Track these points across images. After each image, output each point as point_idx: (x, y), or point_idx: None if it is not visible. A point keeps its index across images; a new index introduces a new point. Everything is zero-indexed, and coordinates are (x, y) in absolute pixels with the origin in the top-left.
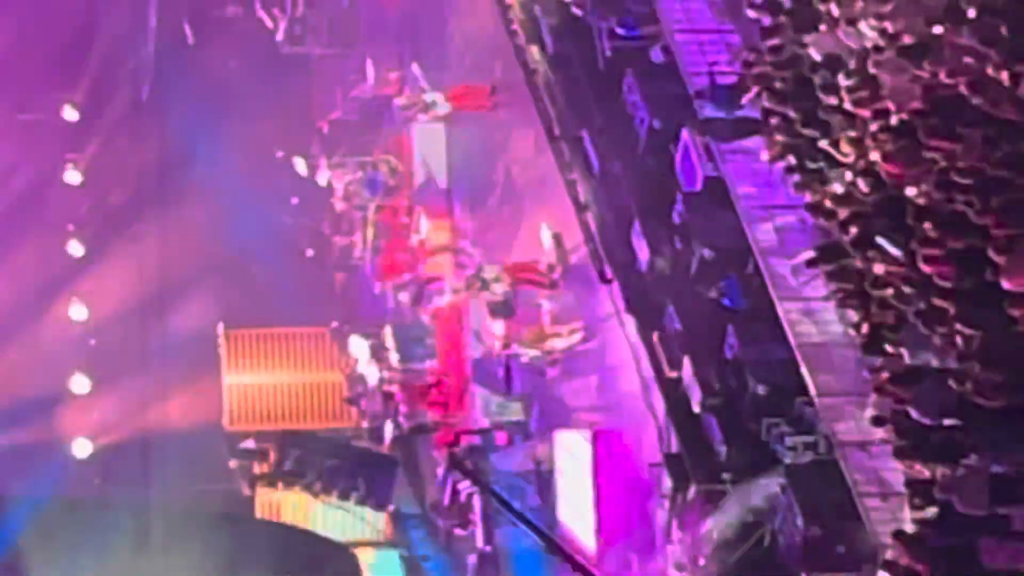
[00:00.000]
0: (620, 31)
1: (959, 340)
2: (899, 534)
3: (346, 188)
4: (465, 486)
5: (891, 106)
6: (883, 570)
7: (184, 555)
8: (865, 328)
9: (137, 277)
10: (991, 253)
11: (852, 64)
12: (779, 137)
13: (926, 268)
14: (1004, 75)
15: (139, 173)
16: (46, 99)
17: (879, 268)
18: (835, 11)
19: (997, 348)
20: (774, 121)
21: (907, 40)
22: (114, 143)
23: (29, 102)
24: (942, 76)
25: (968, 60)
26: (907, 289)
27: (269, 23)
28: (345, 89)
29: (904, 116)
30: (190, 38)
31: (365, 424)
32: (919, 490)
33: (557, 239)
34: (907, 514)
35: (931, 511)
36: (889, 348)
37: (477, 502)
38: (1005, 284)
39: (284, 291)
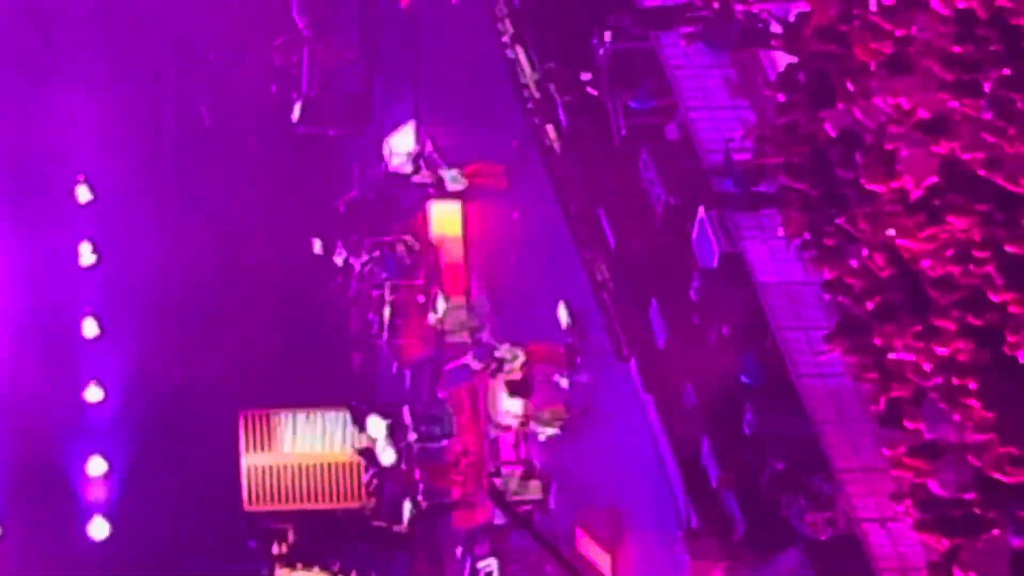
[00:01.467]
0: (635, 105)
1: (977, 415)
2: None
3: (363, 268)
4: (485, 565)
5: (908, 182)
6: None
7: None
8: (883, 402)
9: (155, 355)
10: (1008, 329)
11: (868, 139)
12: (795, 213)
13: (941, 350)
14: (1021, 149)
15: (159, 249)
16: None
17: (897, 343)
18: (850, 86)
19: (1016, 423)
20: (790, 197)
21: (923, 115)
22: (133, 222)
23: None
24: (958, 151)
25: (985, 135)
26: (925, 364)
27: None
28: (362, 168)
29: (921, 192)
30: (206, 119)
31: (384, 503)
32: (939, 565)
33: (575, 317)
34: None
35: None
36: (907, 423)
37: None
38: (1023, 359)
39: (302, 370)
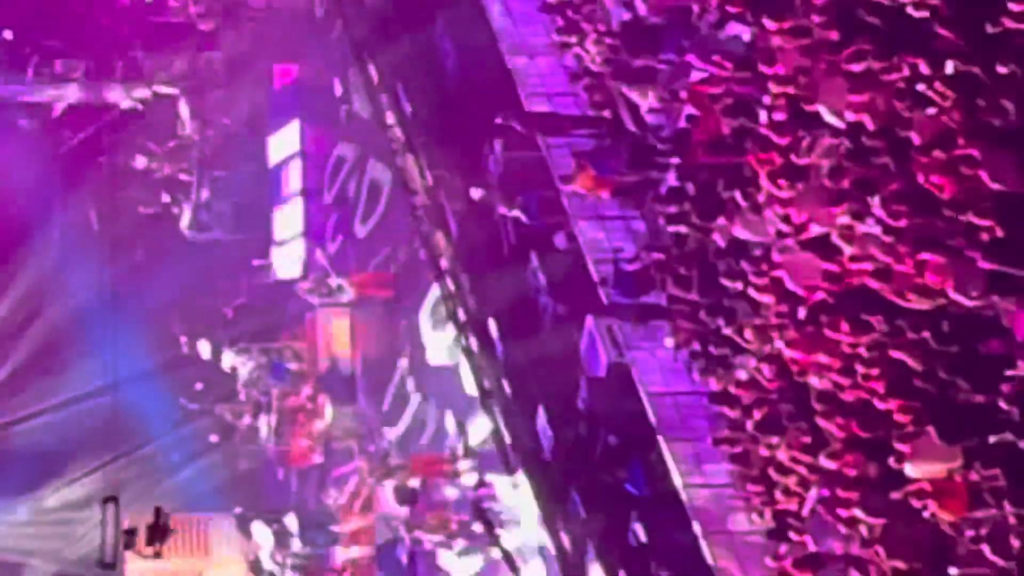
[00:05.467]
0: (525, 220)
1: (863, 527)
2: None
3: (250, 374)
4: None
5: (794, 289)
6: None
7: None
8: (769, 514)
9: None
10: (895, 441)
11: (757, 251)
12: (683, 324)
13: (829, 463)
14: (910, 267)
15: (39, 356)
16: None
17: (783, 455)
18: (740, 199)
19: (901, 536)
20: (678, 308)
21: (812, 229)
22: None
23: None
24: (846, 263)
25: (874, 250)
26: (811, 476)
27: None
28: (250, 274)
29: (808, 304)
30: (95, 223)
31: None
32: None
33: (461, 427)
34: None
35: None
36: (793, 535)
37: None
38: (909, 472)
39: (187, 476)
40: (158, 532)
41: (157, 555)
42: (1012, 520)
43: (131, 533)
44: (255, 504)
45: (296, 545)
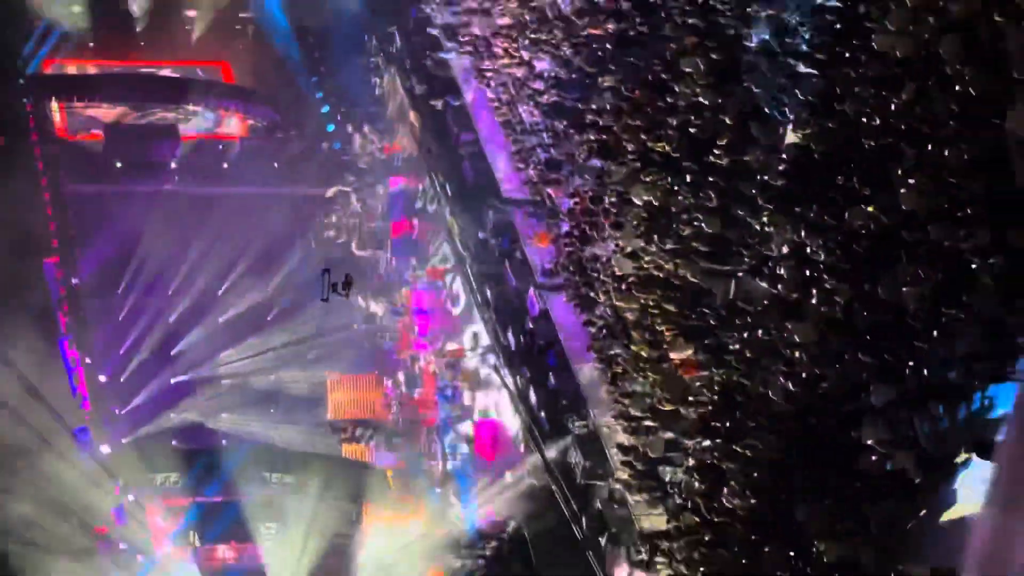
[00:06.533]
0: (503, 245)
1: (652, 378)
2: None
3: (382, 311)
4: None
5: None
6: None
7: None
8: (609, 375)
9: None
10: (666, 342)
11: (605, 259)
12: (573, 291)
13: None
14: (671, 264)
15: (284, 312)
16: None
17: (617, 350)
18: (597, 235)
19: (671, 385)
20: (570, 285)
21: (627, 248)
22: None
23: None
24: (644, 263)
25: (656, 258)
26: (628, 359)
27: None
28: (383, 267)
29: (627, 281)
30: (312, 245)
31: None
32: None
33: (475, 337)
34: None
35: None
36: (620, 382)
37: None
38: (672, 355)
39: (357, 356)
40: (347, 284)
41: (347, 295)
42: (714, 377)
43: (335, 286)
44: (383, 368)
45: (404, 388)
